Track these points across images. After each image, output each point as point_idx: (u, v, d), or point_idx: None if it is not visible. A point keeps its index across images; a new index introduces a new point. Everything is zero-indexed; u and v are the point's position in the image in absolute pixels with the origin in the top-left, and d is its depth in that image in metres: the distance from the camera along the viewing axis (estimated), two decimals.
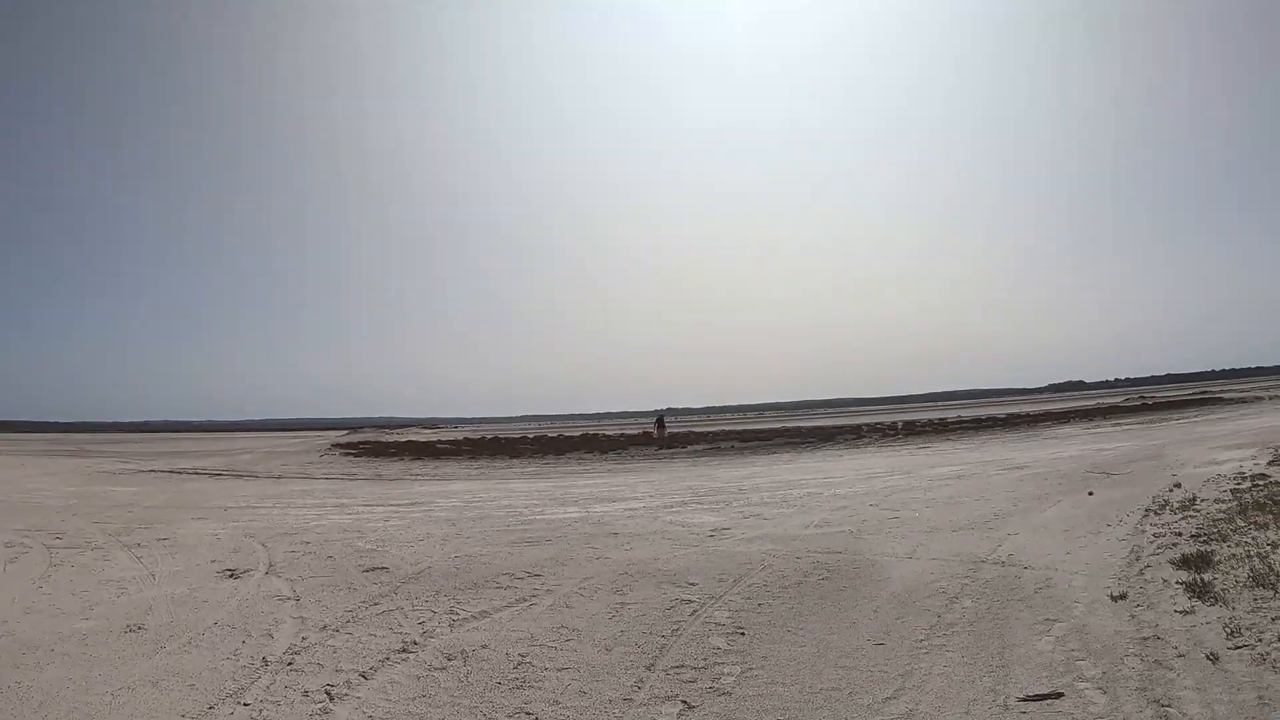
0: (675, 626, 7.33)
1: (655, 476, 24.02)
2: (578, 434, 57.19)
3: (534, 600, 8.36)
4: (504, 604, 8.25)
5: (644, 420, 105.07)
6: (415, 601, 8.49)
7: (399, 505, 18.06)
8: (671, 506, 15.51)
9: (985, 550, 10.13)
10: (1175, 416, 44.43)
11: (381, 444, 50.59)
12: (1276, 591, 7.39)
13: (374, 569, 10.15)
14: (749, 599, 8.21)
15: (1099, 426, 39.89)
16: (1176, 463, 18.67)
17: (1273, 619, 6.66)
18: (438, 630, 7.41)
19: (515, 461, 34.10)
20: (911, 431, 41.36)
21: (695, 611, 7.80)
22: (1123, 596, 7.71)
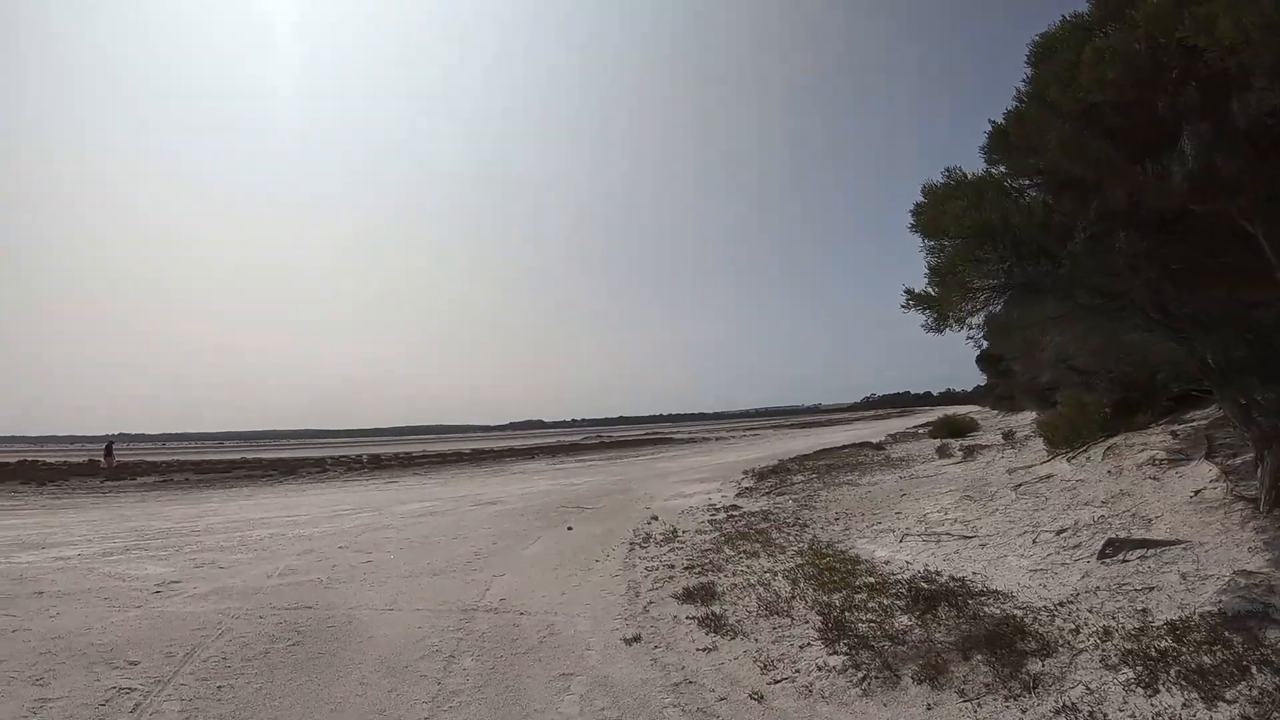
0: None
1: (97, 515, 21.91)
2: (14, 460, 50.91)
3: None
4: None
5: (94, 448, 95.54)
6: None
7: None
8: (111, 554, 14.43)
9: (473, 596, 10.16)
10: (633, 454, 48.84)
11: None
12: (793, 618, 8.16)
13: None
14: (206, 679, 7.12)
15: (563, 462, 42.92)
16: (646, 496, 20.66)
17: (800, 647, 7.31)
18: None
19: None
20: (378, 465, 41.65)
21: (138, 705, 6.55)
22: (636, 639, 7.77)
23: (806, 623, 7.99)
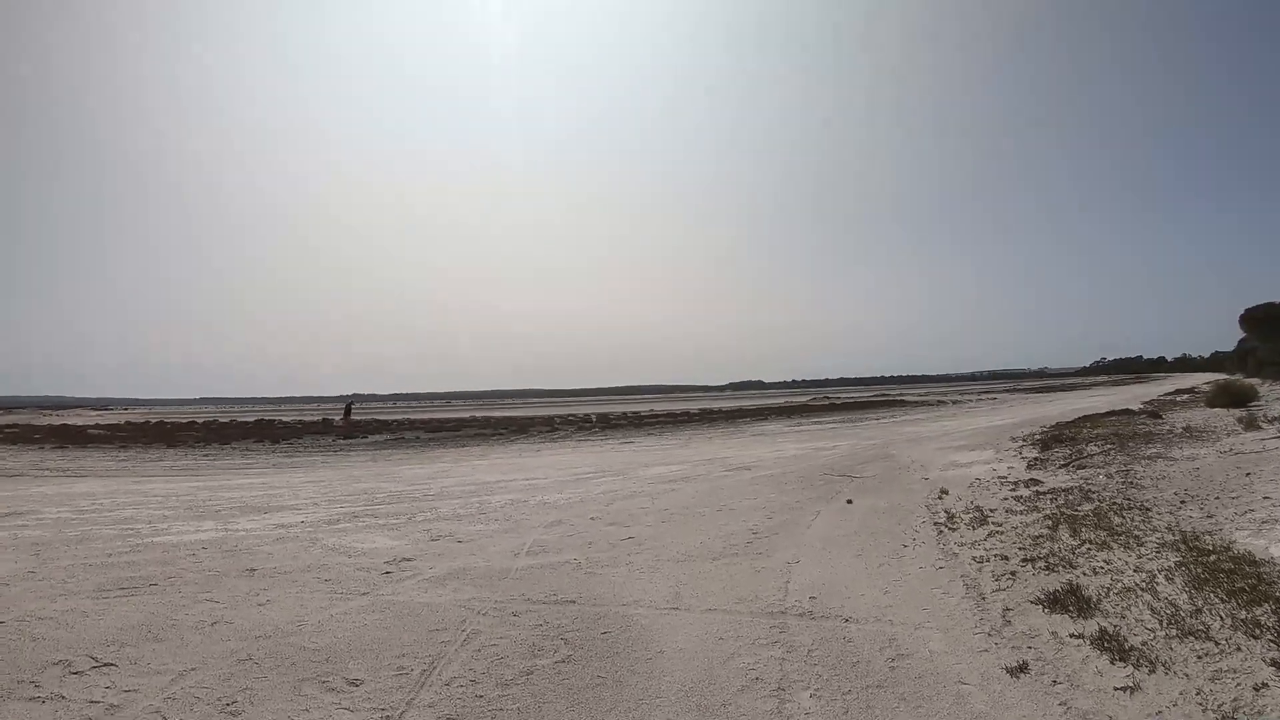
0: None
1: (326, 475, 20.69)
2: (252, 420, 52.23)
3: None
4: None
5: (332, 407, 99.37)
6: None
7: None
8: (338, 522, 12.58)
9: (773, 591, 7.87)
10: (870, 416, 45.36)
11: (32, 429, 43.73)
12: (1215, 641, 5.50)
13: None
14: (450, 717, 5.06)
15: (800, 424, 39.85)
16: (914, 464, 17.69)
17: (1254, 688, 4.73)
18: None
19: (170, 452, 29.39)
20: (608, 425, 39.78)
21: None
22: (1022, 668, 5.56)
23: (1240, 649, 5.39)
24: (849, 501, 12.94)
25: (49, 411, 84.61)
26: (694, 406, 62.83)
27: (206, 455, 28.30)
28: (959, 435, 26.98)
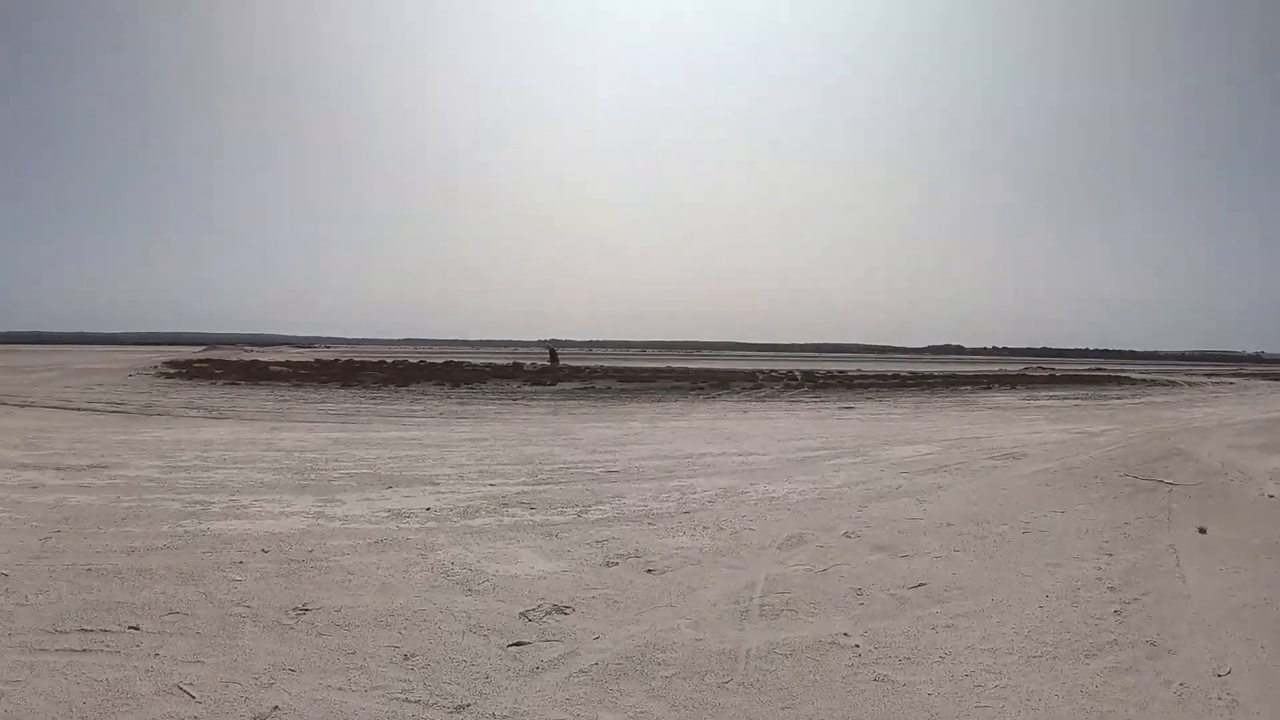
0: None
1: (494, 430, 17.08)
2: (440, 361, 50.19)
3: None
4: None
5: (527, 352, 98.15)
6: None
7: (70, 469, 11.07)
8: (478, 513, 8.72)
9: None
10: (1109, 394, 38.40)
11: (216, 364, 42.92)
12: None
13: None
14: None
15: (1034, 398, 33.58)
16: (1227, 467, 12.25)
17: None
18: None
19: (340, 394, 27.01)
20: (816, 383, 34.96)
21: None
22: None
23: None
24: (1201, 531, 8.23)
25: (252, 348, 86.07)
26: (901, 369, 56.29)
27: (375, 399, 25.61)
28: (1243, 427, 21.09)
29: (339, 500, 9.22)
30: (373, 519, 8.30)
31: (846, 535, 7.84)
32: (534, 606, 5.66)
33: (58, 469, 11.12)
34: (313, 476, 10.83)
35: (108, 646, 4.89)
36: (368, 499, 9.35)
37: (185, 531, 7.67)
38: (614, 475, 11.19)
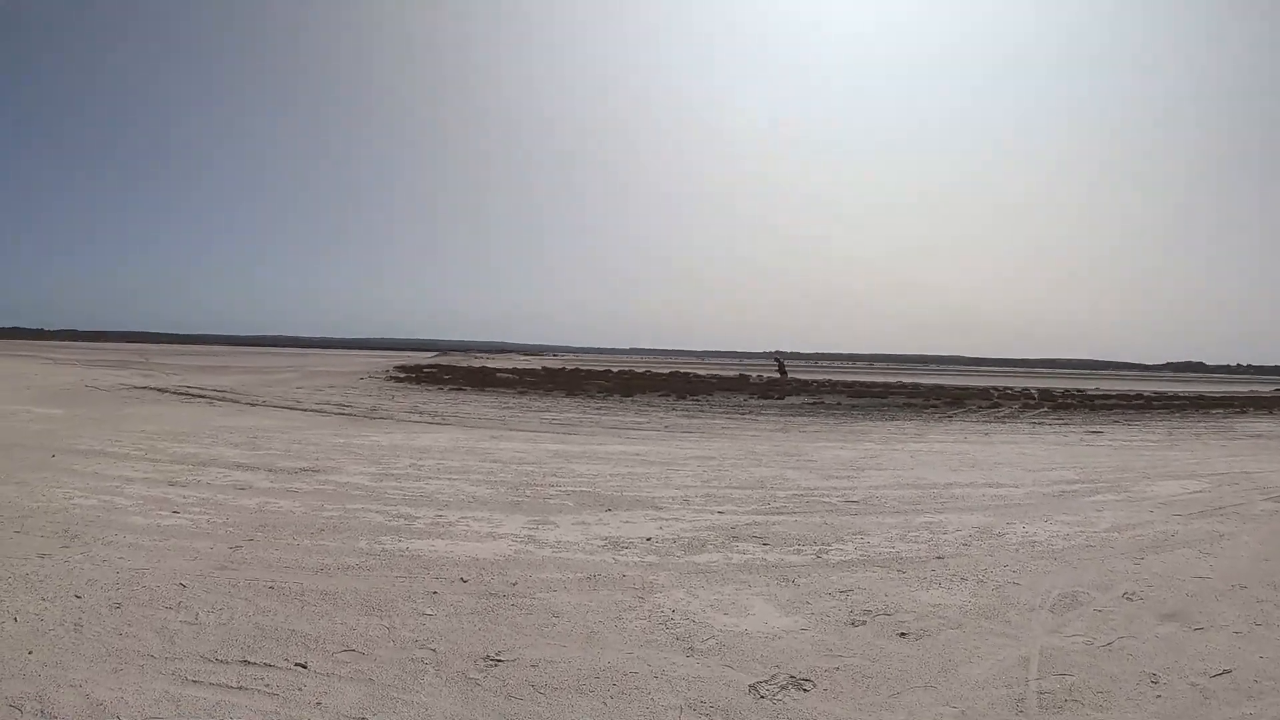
0: None
1: (720, 448, 15.99)
2: (665, 372, 49.74)
3: None
4: None
5: (751, 363, 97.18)
6: None
7: (282, 471, 10.87)
8: (705, 545, 7.66)
9: None
10: None
11: (445, 369, 44.10)
12: None
13: None
14: None
15: None
16: None
17: None
18: None
19: (563, 402, 26.78)
20: (1055, 404, 32.01)
21: None
22: None
23: None
24: None
25: (482, 354, 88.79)
26: (1142, 388, 51.03)
27: (600, 409, 25.09)
28: None
29: (552, 522, 8.40)
30: (587, 547, 7.40)
31: (1126, 597, 6.32)
32: (767, 677, 4.56)
33: (270, 470, 10.92)
34: (527, 493, 10.10)
35: (266, 687, 4.21)
36: (583, 522, 8.48)
37: (383, 550, 7.01)
38: (853, 506, 9.90)
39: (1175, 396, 40.09)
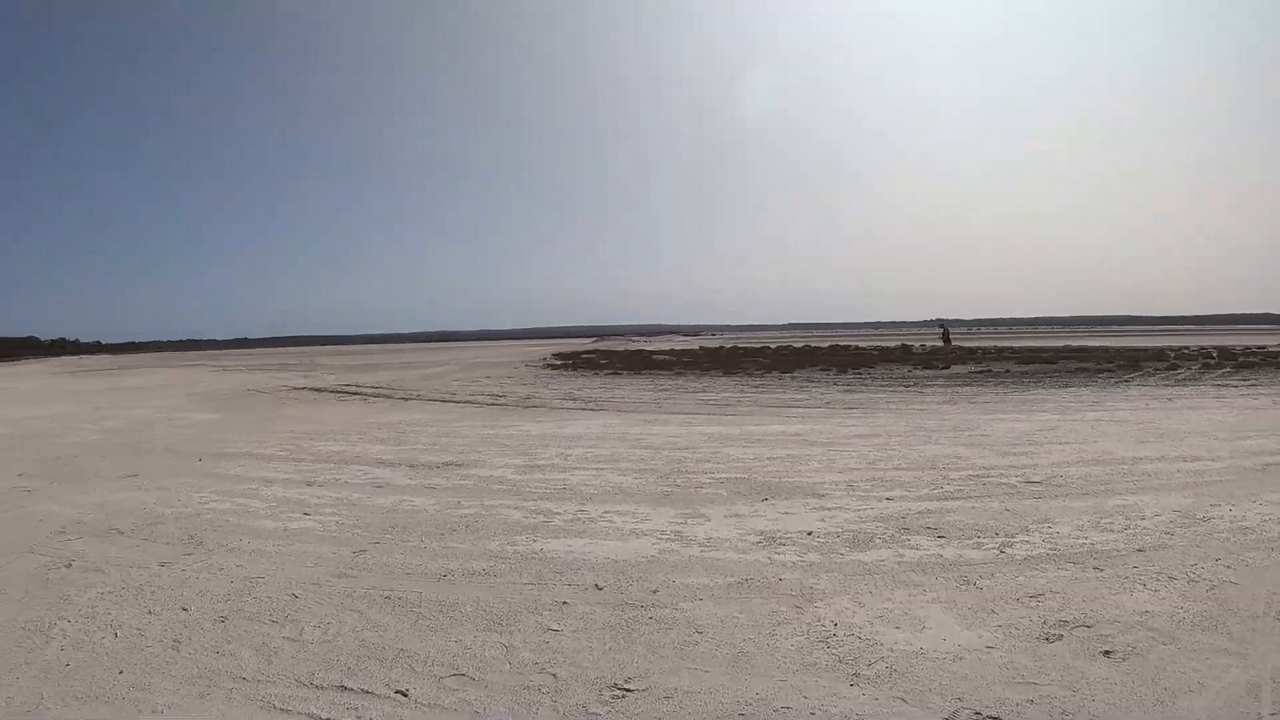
0: None
1: (885, 423, 14.93)
2: (825, 345, 48.54)
3: None
4: None
5: (912, 332, 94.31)
6: None
7: (423, 466, 10.63)
8: (872, 539, 6.78)
9: None
10: None
11: (602, 354, 44.07)
12: None
13: None
14: None
15: None
16: None
17: None
18: None
19: (721, 381, 26.11)
20: (1237, 363, 28.95)
21: None
22: None
23: None
24: None
25: (639, 338, 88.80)
26: None
27: (758, 387, 24.21)
28: None
29: (703, 515, 7.70)
30: (739, 545, 6.65)
31: None
32: (948, 715, 3.75)
33: (411, 466, 10.60)
34: (678, 481, 9.42)
35: (358, 718, 3.59)
36: (737, 514, 7.74)
37: (515, 552, 6.45)
38: (1035, 488, 8.82)
39: None
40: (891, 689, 4.01)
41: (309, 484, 9.66)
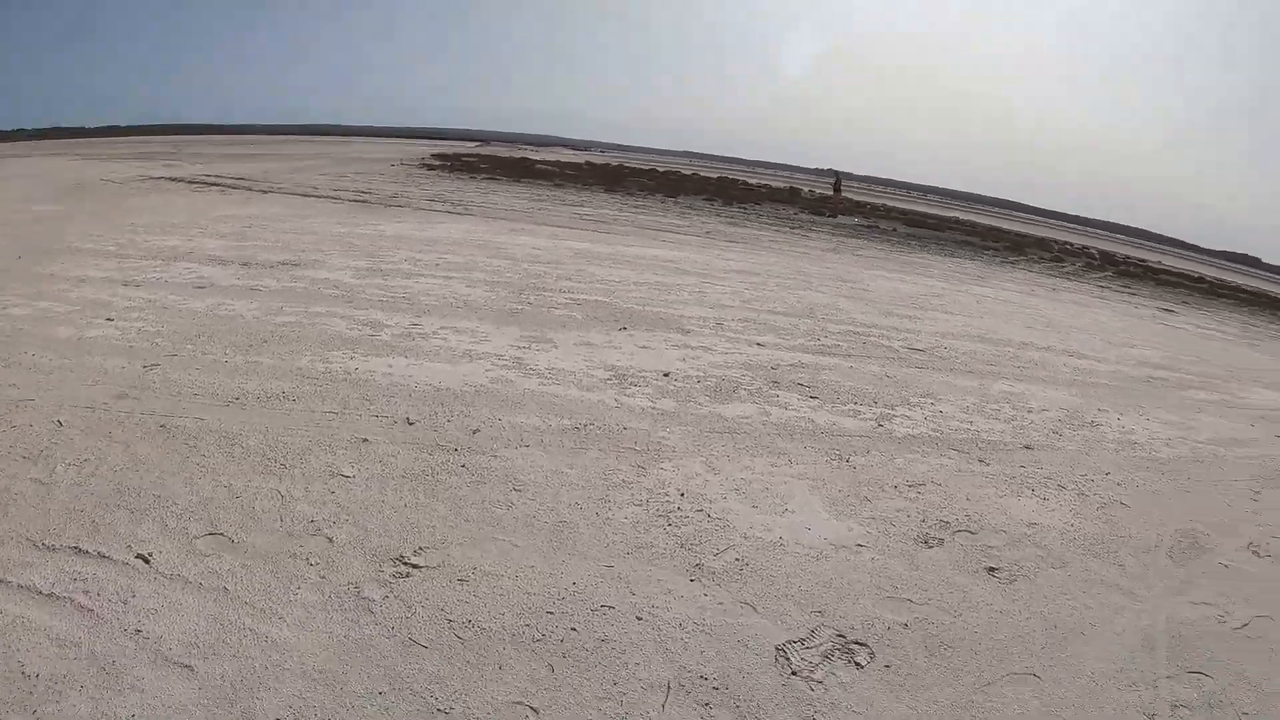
0: None
1: (764, 261, 14.18)
2: (714, 176, 47.55)
3: None
4: None
5: (804, 178, 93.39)
6: None
7: (257, 265, 9.53)
8: (739, 388, 6.11)
9: None
10: None
11: (484, 159, 42.08)
12: None
13: None
14: None
15: None
16: None
17: None
18: None
19: (600, 197, 25.07)
20: (1117, 269, 28.49)
21: None
22: None
23: None
24: None
25: (529, 147, 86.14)
26: (1203, 270, 46.10)
27: (639, 208, 23.22)
28: None
29: (550, 341, 6.86)
30: (584, 381, 5.86)
31: (1253, 550, 4.71)
32: (805, 634, 3.09)
33: (244, 264, 9.35)
34: (531, 299, 8.50)
35: (85, 592, 2.96)
36: (589, 343, 6.93)
37: (325, 371, 5.50)
38: (919, 356, 8.22)
39: (1239, 288, 36.48)
40: (739, 590, 3.34)
41: (125, 284, 8.35)
